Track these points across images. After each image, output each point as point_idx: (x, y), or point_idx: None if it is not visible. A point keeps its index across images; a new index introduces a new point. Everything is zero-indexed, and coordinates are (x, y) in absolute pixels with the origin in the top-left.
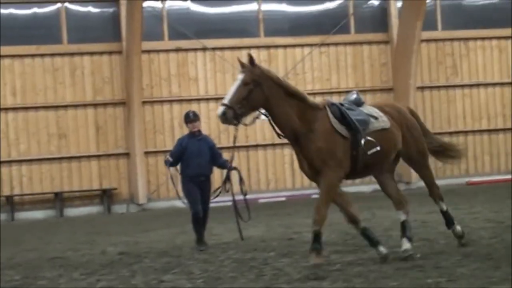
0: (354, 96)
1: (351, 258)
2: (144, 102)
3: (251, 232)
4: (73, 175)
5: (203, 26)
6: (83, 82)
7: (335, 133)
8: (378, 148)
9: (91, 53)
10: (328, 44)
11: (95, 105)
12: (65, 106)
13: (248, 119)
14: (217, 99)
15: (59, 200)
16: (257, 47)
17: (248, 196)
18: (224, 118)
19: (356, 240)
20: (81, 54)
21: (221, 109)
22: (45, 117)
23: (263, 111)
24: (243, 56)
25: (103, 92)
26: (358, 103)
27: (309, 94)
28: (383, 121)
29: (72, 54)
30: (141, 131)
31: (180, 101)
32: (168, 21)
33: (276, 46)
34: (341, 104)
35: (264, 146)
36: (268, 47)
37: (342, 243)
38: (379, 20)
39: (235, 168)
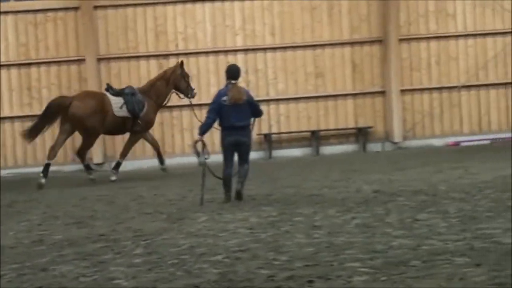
0: None
1: None
2: (401, 40)
3: (510, 171)
4: (329, 113)
5: None
6: (340, 20)
7: None
8: None
9: None
10: None
11: (352, 44)
12: (323, 45)
13: None
14: (476, 35)
15: (315, 138)
16: None
17: (507, 135)
18: None
19: None
20: None
21: None
22: (302, 56)
23: None
24: None
25: (360, 30)
26: None
27: None
28: None
29: None
30: (397, 69)
31: (438, 38)
32: None
33: None
34: None
35: None
36: None
37: None
38: None
39: None
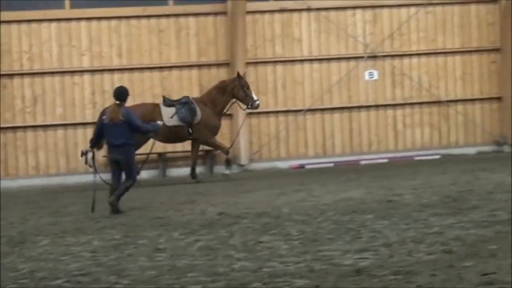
0: None
1: (450, 221)
2: (248, 63)
3: (351, 194)
4: None
5: None
6: (188, 43)
7: None
8: None
9: (196, 14)
10: (434, 4)
11: (199, 66)
12: (170, 67)
13: None
14: (321, 60)
15: (162, 160)
16: (362, 7)
17: (350, 158)
18: None
19: (457, 203)
20: (187, 15)
21: None
22: (150, 77)
23: None
24: (348, 16)
25: (208, 53)
26: None
27: (414, 55)
28: None
29: (177, 15)
30: None
31: (284, 62)
32: None
33: (382, 6)
34: None
35: (367, 107)
36: (373, 7)
37: (442, 206)
38: None
39: None
